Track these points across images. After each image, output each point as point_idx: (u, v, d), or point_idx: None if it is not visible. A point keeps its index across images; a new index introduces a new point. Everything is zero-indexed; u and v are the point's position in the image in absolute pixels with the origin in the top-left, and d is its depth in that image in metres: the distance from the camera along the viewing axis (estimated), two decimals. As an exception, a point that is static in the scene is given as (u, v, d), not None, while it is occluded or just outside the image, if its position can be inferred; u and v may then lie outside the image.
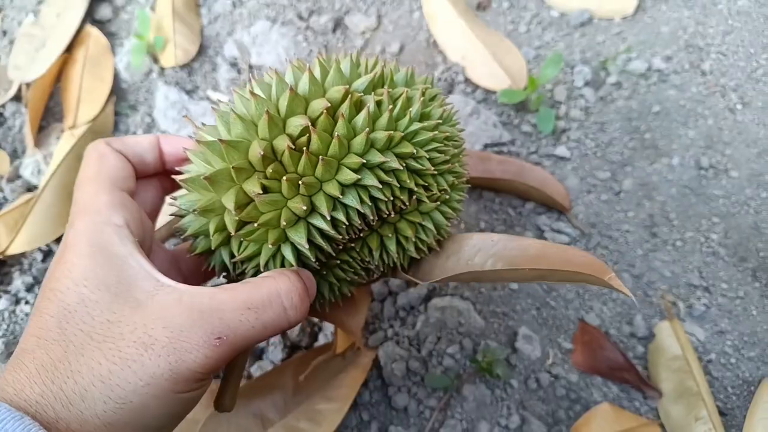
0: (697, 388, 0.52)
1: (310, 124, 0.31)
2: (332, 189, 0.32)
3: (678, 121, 0.67)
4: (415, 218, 0.37)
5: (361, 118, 0.32)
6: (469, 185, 0.46)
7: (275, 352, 0.56)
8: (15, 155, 0.71)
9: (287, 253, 0.33)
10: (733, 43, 0.71)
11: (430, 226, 0.38)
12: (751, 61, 0.70)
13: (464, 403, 0.53)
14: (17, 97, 0.74)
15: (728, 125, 0.66)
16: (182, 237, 0.36)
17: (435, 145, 0.35)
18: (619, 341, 0.56)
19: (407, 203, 0.35)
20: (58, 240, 0.61)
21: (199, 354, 0.28)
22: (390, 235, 0.37)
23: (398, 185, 0.34)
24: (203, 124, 0.36)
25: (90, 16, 0.77)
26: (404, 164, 0.33)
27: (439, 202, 0.37)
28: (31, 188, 0.67)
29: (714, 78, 0.69)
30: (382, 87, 0.36)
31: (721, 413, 0.52)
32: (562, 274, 0.32)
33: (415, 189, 0.35)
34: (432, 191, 0.36)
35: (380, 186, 0.32)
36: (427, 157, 0.35)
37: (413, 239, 0.38)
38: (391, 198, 0.34)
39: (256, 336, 0.30)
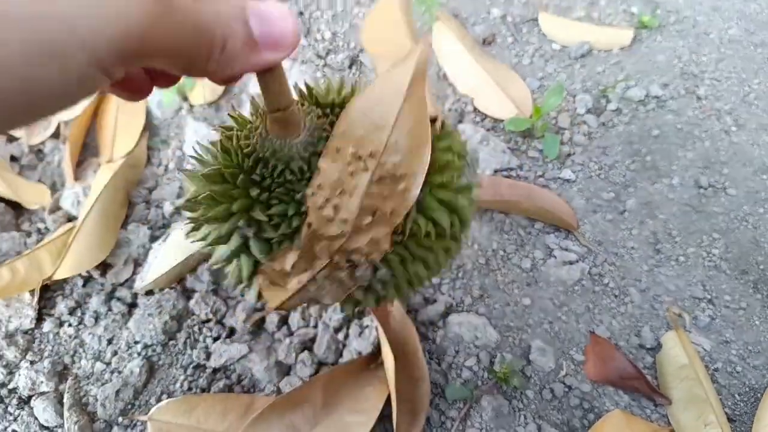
0: (705, 395, 0.55)
1: None
2: None
3: (676, 143, 0.71)
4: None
5: None
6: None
7: (303, 368, 0.59)
8: (54, 188, 0.76)
9: None
10: (726, 70, 0.76)
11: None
12: (744, 85, 0.75)
13: (483, 414, 0.56)
14: (56, 135, 0.79)
15: (724, 146, 0.70)
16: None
17: None
18: (629, 352, 0.59)
19: None
20: (98, 267, 0.66)
21: None
22: None
23: None
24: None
25: (123, 59, 0.83)
26: None
27: None
28: (71, 218, 0.71)
29: (709, 102, 0.74)
30: None
31: (730, 419, 0.55)
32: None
33: None
34: None
35: None
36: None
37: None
38: None
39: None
